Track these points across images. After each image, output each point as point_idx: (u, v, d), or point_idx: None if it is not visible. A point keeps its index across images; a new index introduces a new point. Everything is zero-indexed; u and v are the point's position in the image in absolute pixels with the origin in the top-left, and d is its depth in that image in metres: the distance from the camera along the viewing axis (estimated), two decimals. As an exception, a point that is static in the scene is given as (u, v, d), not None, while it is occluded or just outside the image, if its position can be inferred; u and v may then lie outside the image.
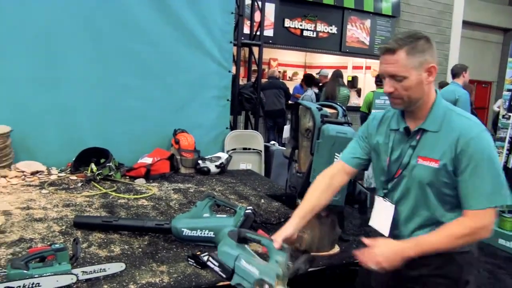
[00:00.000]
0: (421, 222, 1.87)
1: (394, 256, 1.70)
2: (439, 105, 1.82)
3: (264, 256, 1.84)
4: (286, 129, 8.61)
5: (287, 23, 9.97)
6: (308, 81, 9.48)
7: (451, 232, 1.73)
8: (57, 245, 2.19)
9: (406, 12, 11.69)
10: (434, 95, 1.83)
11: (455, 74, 6.22)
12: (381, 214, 1.94)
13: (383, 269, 1.73)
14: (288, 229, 1.87)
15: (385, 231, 1.92)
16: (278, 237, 1.79)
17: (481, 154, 1.70)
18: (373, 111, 6.68)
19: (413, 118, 1.86)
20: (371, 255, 1.74)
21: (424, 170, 1.79)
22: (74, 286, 2.11)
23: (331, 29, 10.59)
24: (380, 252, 1.71)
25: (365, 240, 1.82)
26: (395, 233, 1.94)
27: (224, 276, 1.71)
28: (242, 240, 1.75)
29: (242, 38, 6.29)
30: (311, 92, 8.87)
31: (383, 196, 1.96)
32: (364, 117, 7.42)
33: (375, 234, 5.12)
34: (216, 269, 1.73)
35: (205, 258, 1.80)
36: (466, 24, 13.18)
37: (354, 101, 12.40)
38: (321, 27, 10.45)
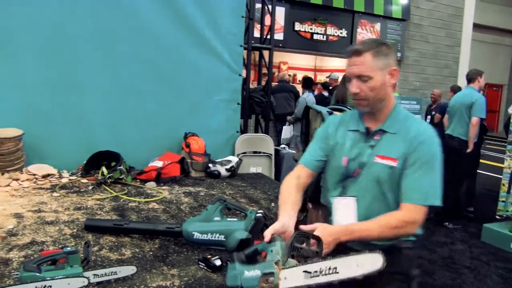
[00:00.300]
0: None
1: (329, 239, 1.74)
2: (398, 109, 1.97)
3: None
4: (286, 129, 8.60)
5: (297, 26, 9.97)
6: (307, 83, 9.45)
7: (384, 223, 1.83)
8: (68, 248, 2.20)
9: (416, 15, 11.64)
10: (394, 100, 1.97)
11: (470, 79, 6.17)
12: (344, 212, 1.95)
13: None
14: (276, 224, 1.86)
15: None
16: (267, 232, 1.80)
17: (430, 155, 1.86)
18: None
19: (373, 119, 1.95)
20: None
21: (382, 168, 1.87)
22: (86, 289, 2.11)
23: (341, 33, 10.58)
24: (319, 234, 1.74)
25: (304, 227, 1.82)
26: None
27: None
28: (248, 260, 1.77)
29: (253, 41, 6.29)
30: (306, 94, 8.81)
31: (340, 195, 2.01)
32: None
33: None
34: None
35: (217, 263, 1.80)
36: (476, 27, 13.11)
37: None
38: (331, 30, 10.45)
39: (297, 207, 2.01)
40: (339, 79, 9.50)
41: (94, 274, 2.19)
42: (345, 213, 1.95)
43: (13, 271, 2.29)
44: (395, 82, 1.91)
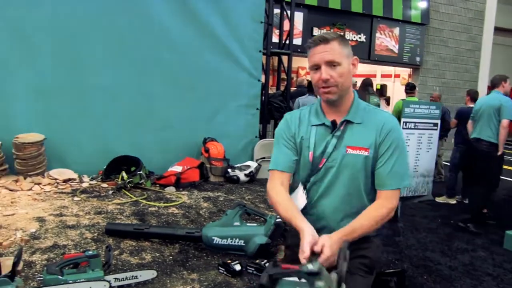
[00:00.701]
0: (350, 210, 1.93)
1: (337, 247, 1.70)
2: (358, 100, 1.98)
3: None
4: None
5: (316, 31, 9.94)
6: (310, 86, 9.36)
7: (375, 214, 1.86)
8: (90, 252, 2.22)
9: (435, 19, 11.51)
10: (353, 91, 1.98)
11: (495, 84, 6.08)
12: (296, 199, 1.97)
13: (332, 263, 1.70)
14: (308, 237, 1.70)
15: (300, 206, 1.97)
16: (306, 249, 1.66)
17: (399, 141, 1.92)
18: (403, 120, 6.58)
19: (336, 112, 1.94)
20: (329, 258, 1.67)
21: (354, 158, 1.88)
22: (107, 293, 2.12)
23: (359, 37, 10.52)
24: (331, 251, 1.66)
25: (315, 248, 1.67)
26: (322, 224, 1.96)
27: None
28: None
29: (271, 47, 6.30)
30: (305, 96, 8.67)
31: (304, 188, 1.99)
32: (393, 126, 7.33)
33: (402, 244, 4.99)
34: None
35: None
36: (498, 30, 12.93)
37: (383, 109, 12.23)
38: (349, 35, 10.39)
39: (299, 211, 1.93)
40: (357, 84, 9.46)
41: (115, 278, 2.20)
42: (297, 200, 1.97)
43: (36, 273, 2.32)
44: (356, 72, 1.94)
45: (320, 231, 1.84)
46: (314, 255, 1.64)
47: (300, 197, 1.97)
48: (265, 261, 2.55)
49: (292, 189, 2.03)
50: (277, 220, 2.68)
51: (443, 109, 7.13)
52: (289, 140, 2.01)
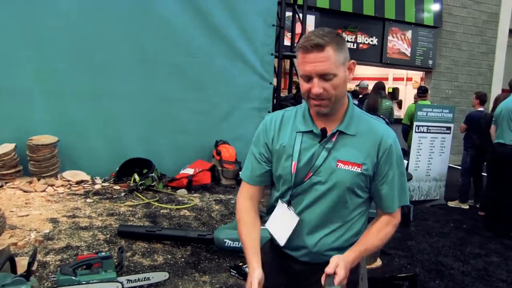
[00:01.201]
0: (332, 228, 1.74)
1: (350, 267, 1.60)
2: (353, 107, 1.74)
3: None
4: None
5: (327, 35, 9.95)
6: None
7: (386, 232, 1.74)
8: (103, 253, 2.24)
9: (448, 22, 11.44)
10: (348, 97, 1.73)
11: None
12: (282, 221, 1.74)
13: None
14: (258, 274, 1.62)
15: (282, 240, 1.73)
16: (256, 281, 1.59)
17: (399, 159, 1.74)
18: (415, 123, 6.54)
19: (327, 120, 1.69)
20: (344, 280, 1.56)
21: (346, 174, 1.66)
22: (120, 294, 2.14)
23: (371, 41, 10.47)
24: (345, 273, 1.56)
25: (327, 270, 1.55)
26: (298, 243, 1.74)
27: None
28: None
29: (283, 50, 6.30)
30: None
31: (288, 204, 1.73)
32: (406, 129, 7.26)
33: (414, 248, 4.95)
34: None
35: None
36: (512, 33, 12.81)
37: (395, 113, 12.18)
38: (361, 38, 10.36)
39: (259, 240, 1.74)
40: (369, 87, 9.42)
41: (128, 279, 2.22)
42: (282, 224, 1.73)
43: (50, 274, 2.35)
44: (352, 77, 1.67)
45: (295, 250, 1.73)
46: (328, 276, 1.53)
47: (287, 221, 1.73)
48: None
49: (270, 205, 1.81)
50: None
51: (472, 114, 7.04)
52: (262, 148, 1.77)
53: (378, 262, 2.77)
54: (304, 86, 1.61)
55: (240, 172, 1.82)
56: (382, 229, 1.74)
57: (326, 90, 1.57)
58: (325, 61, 1.55)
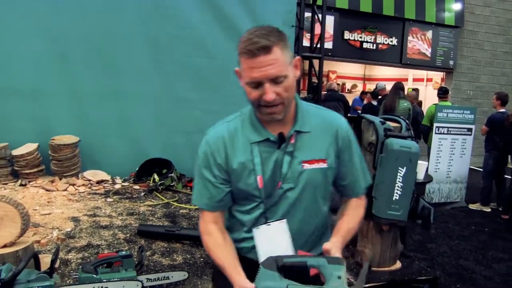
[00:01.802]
0: (310, 230, 1.66)
1: (340, 250, 1.52)
2: (301, 103, 1.63)
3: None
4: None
5: (347, 35, 9.87)
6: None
7: (360, 215, 1.69)
8: (123, 252, 2.27)
9: (470, 21, 11.28)
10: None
11: None
12: (273, 241, 1.60)
13: None
14: (245, 281, 1.46)
15: (291, 251, 1.59)
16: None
17: (355, 143, 1.67)
18: (435, 124, 6.46)
19: (280, 122, 1.56)
20: None
21: (314, 173, 1.59)
22: (140, 293, 2.16)
23: (391, 41, 10.38)
24: (339, 254, 1.55)
25: (326, 249, 1.47)
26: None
27: None
28: (282, 269, 1.39)
29: (302, 51, 6.29)
30: None
31: (265, 222, 1.60)
32: (426, 130, 7.18)
33: (434, 251, 4.89)
34: None
35: None
36: (536, 33, 12.56)
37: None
38: (381, 39, 10.28)
39: (235, 255, 1.60)
40: (386, 88, 9.34)
41: (148, 278, 2.24)
42: (275, 243, 1.60)
43: (72, 271, 2.39)
44: (299, 74, 1.55)
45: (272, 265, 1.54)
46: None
47: (278, 238, 1.59)
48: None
49: (232, 227, 1.68)
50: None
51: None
52: (216, 170, 1.60)
53: (398, 264, 2.75)
54: (252, 94, 1.46)
55: (192, 199, 1.61)
56: (357, 212, 1.70)
57: (279, 95, 1.45)
58: (274, 64, 1.42)
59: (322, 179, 1.60)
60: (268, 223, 1.58)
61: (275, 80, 1.42)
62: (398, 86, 7.68)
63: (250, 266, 1.50)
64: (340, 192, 1.72)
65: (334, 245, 1.48)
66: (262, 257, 1.54)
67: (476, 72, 11.66)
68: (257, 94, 1.45)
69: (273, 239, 1.58)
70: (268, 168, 1.55)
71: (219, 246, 1.58)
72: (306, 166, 1.56)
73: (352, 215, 1.67)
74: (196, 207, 3.76)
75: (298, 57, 1.52)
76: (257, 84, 1.44)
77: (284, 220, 1.57)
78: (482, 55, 11.64)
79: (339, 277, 1.31)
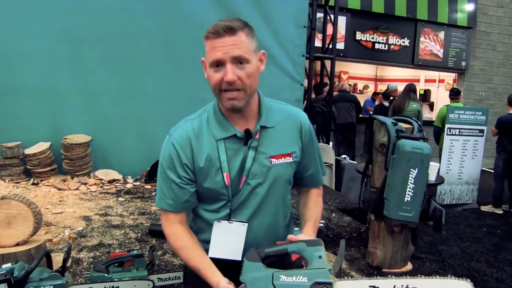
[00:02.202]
0: (278, 224, 1.68)
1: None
2: (264, 99, 1.66)
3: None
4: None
5: (359, 36, 9.85)
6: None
7: (320, 204, 1.78)
8: (135, 252, 2.27)
9: (483, 22, 11.19)
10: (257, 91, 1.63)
11: None
12: (228, 239, 1.60)
13: None
14: (224, 280, 1.47)
15: (238, 255, 1.59)
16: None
17: (315, 135, 1.74)
18: (447, 126, 6.43)
19: (245, 118, 1.58)
20: None
21: (282, 167, 1.61)
22: (151, 292, 2.17)
23: (403, 42, 10.34)
24: None
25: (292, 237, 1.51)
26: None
27: None
28: (266, 259, 1.42)
29: (314, 51, 6.28)
30: None
31: (228, 219, 1.60)
32: (437, 132, 7.14)
33: (445, 253, 4.85)
34: None
35: None
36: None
37: (427, 115, 11.98)
38: (393, 39, 10.23)
39: (207, 256, 1.58)
40: (398, 90, 9.31)
41: (159, 278, 2.25)
42: (229, 241, 1.60)
43: (83, 270, 2.40)
44: (263, 69, 1.58)
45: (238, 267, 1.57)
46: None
47: (233, 235, 1.60)
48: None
49: (200, 228, 1.68)
50: (320, 224, 2.67)
51: (501, 117, 6.86)
52: (182, 171, 1.57)
53: (409, 266, 2.74)
54: (214, 76, 1.47)
55: (156, 200, 1.63)
56: (318, 201, 1.77)
57: (240, 79, 1.45)
58: (238, 45, 1.44)
59: (289, 172, 1.63)
60: (231, 221, 1.59)
61: (238, 60, 1.44)
62: (410, 88, 7.65)
63: (219, 266, 1.50)
64: (300, 184, 1.75)
65: (308, 236, 1.54)
66: (211, 251, 1.60)
67: (489, 73, 11.58)
68: (219, 76, 1.45)
69: (229, 238, 1.59)
70: (235, 165, 1.55)
71: (190, 248, 1.56)
72: (274, 161, 1.58)
73: (315, 205, 1.75)
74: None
75: (263, 51, 1.56)
76: (219, 64, 1.45)
77: (246, 224, 1.59)
78: (495, 56, 11.55)
79: (320, 257, 1.35)
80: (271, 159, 1.58)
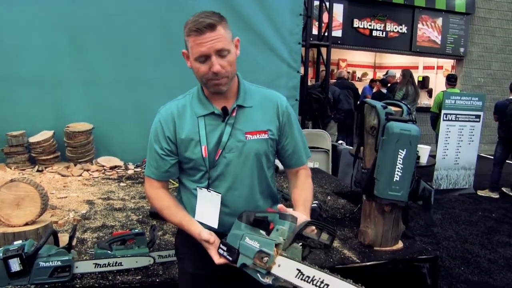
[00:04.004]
0: (259, 198, 1.82)
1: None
2: (243, 82, 1.84)
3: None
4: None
5: (356, 23, 9.90)
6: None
7: (310, 183, 1.89)
8: (136, 230, 2.40)
9: (482, 8, 11.19)
10: (236, 74, 1.81)
11: None
12: (207, 206, 1.76)
13: None
14: (206, 231, 1.68)
15: (214, 223, 1.75)
16: (206, 236, 1.65)
17: (295, 117, 1.88)
18: (443, 111, 6.51)
19: (225, 98, 1.76)
20: None
21: (256, 143, 1.76)
22: (151, 268, 2.29)
23: (401, 29, 10.38)
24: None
25: (282, 207, 1.65)
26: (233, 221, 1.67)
27: (230, 259, 1.54)
28: (255, 223, 1.57)
29: (311, 39, 6.35)
30: None
31: (207, 187, 1.75)
32: (435, 117, 7.22)
33: (439, 235, 4.95)
34: (224, 254, 1.57)
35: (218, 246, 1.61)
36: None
37: (425, 101, 12.05)
38: (390, 26, 10.28)
39: (188, 213, 1.79)
40: (397, 76, 9.37)
41: (159, 255, 2.37)
42: (207, 208, 1.76)
43: (88, 249, 2.53)
44: (239, 53, 1.76)
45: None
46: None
47: (210, 203, 1.75)
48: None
49: (185, 195, 1.85)
50: (312, 205, 2.78)
51: (499, 103, 6.92)
52: (164, 143, 1.76)
53: (400, 244, 2.84)
54: (201, 68, 1.66)
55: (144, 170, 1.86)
56: (306, 182, 1.90)
57: (224, 68, 1.64)
58: (219, 38, 1.62)
59: (265, 148, 1.78)
60: (209, 190, 1.74)
61: (221, 53, 1.63)
62: (411, 74, 7.71)
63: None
64: (285, 165, 1.92)
65: (302, 215, 1.65)
66: (197, 216, 1.78)
67: (488, 59, 11.61)
68: (205, 68, 1.65)
69: (207, 204, 1.76)
70: (213, 139, 1.73)
71: (172, 207, 1.77)
72: (249, 137, 1.74)
73: (305, 185, 1.88)
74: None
75: (237, 38, 1.76)
76: (205, 58, 1.64)
77: (220, 195, 1.73)
78: (494, 42, 11.57)
79: (277, 230, 1.48)
80: (246, 135, 1.74)
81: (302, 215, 1.62)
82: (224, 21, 1.68)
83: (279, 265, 1.43)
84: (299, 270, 1.39)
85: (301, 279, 1.38)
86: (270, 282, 1.45)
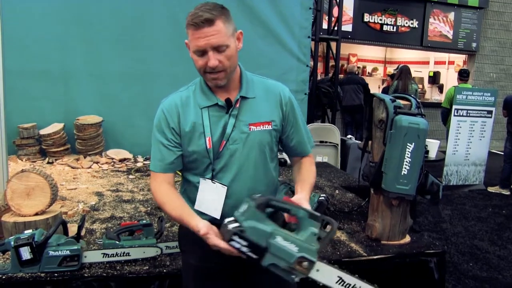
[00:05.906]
0: (262, 187, 1.80)
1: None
2: (245, 73, 1.84)
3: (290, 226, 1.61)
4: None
5: (367, 17, 9.83)
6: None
7: (313, 170, 1.90)
8: (144, 221, 2.42)
9: (495, 2, 11.03)
10: (238, 65, 1.81)
11: None
12: (210, 196, 1.75)
13: None
14: (204, 223, 1.62)
15: (217, 213, 1.75)
16: (203, 227, 1.58)
17: (298, 107, 1.88)
18: (454, 106, 6.46)
19: (227, 89, 1.76)
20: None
21: (261, 134, 1.76)
22: (158, 258, 2.31)
23: (412, 23, 10.29)
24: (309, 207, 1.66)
25: (286, 198, 1.68)
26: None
27: (254, 257, 1.42)
28: (267, 207, 1.51)
29: (321, 33, 6.33)
30: None
31: (211, 179, 1.75)
32: (446, 113, 7.17)
33: (448, 231, 4.93)
34: (244, 249, 1.42)
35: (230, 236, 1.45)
36: None
37: (436, 97, 11.96)
38: (401, 21, 10.19)
39: (189, 207, 1.73)
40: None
41: (166, 246, 2.39)
42: (211, 198, 1.75)
43: (96, 239, 2.56)
44: (241, 46, 1.76)
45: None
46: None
47: (215, 194, 1.74)
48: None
49: (188, 189, 1.84)
50: (320, 198, 2.79)
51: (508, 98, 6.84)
52: (169, 134, 1.75)
53: (407, 239, 2.83)
54: (198, 62, 1.66)
55: (150, 165, 1.82)
56: (310, 169, 1.90)
57: (221, 62, 1.64)
58: (217, 34, 1.61)
59: (268, 139, 1.78)
60: (214, 181, 1.74)
61: (218, 49, 1.62)
62: (409, 71, 7.64)
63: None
64: (290, 153, 1.93)
65: (302, 198, 1.67)
66: (196, 204, 1.77)
67: (501, 54, 11.47)
68: (203, 61, 1.64)
69: (211, 196, 1.75)
70: (217, 130, 1.73)
71: (172, 201, 1.73)
72: (253, 128, 1.75)
73: (308, 171, 1.88)
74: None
75: (240, 31, 1.76)
76: (202, 52, 1.63)
77: (226, 187, 1.73)
78: (508, 36, 11.42)
79: (315, 235, 1.44)
80: (250, 126, 1.74)
81: (295, 199, 1.65)
82: (224, 14, 1.66)
83: (317, 270, 1.42)
84: (340, 278, 1.44)
85: (342, 286, 1.43)
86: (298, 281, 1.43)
